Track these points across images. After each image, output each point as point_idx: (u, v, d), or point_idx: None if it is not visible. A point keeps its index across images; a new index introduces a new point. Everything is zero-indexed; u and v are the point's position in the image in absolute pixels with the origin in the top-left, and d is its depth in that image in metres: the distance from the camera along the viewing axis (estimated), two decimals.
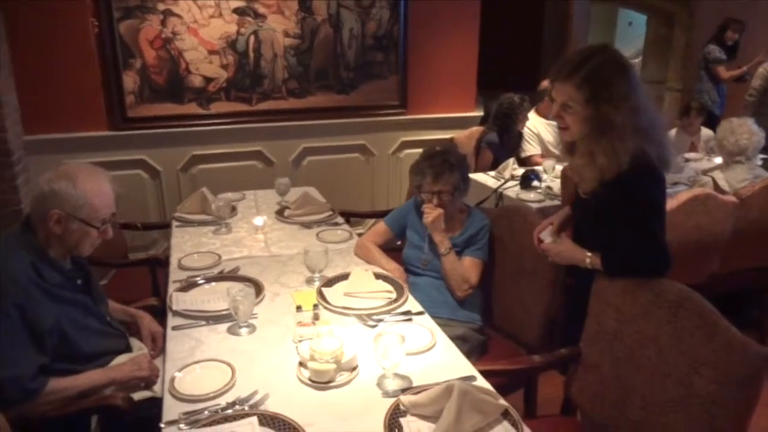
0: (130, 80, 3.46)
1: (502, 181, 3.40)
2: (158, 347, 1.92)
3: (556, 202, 3.08)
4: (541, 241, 1.90)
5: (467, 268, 2.12)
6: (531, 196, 3.15)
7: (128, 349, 1.87)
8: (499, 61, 5.22)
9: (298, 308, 1.70)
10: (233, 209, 2.78)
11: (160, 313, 2.17)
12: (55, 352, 1.61)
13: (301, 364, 1.55)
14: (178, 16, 3.44)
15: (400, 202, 4.12)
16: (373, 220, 4.10)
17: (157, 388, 1.72)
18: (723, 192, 2.70)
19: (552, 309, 2.10)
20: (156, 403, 1.55)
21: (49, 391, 1.55)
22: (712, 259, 2.68)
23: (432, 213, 2.10)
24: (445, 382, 1.47)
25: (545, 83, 4.06)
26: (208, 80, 3.61)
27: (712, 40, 4.92)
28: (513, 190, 3.27)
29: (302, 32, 3.72)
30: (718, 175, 2.82)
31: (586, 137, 1.63)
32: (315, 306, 1.73)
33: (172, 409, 1.40)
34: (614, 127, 1.56)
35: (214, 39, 3.55)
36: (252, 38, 3.62)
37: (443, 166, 2.13)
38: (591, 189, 1.66)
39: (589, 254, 1.72)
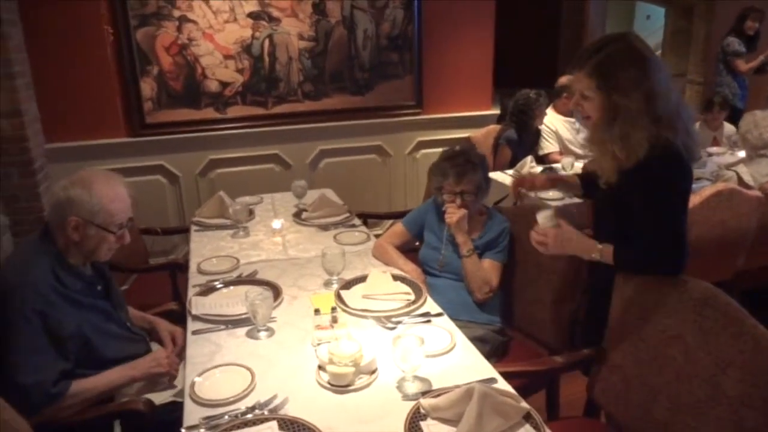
0: (147, 87, 3.49)
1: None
2: (179, 345, 1.93)
3: (576, 200, 3.03)
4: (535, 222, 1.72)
5: (488, 271, 2.10)
6: (550, 194, 3.10)
7: (148, 353, 1.89)
8: (516, 59, 5.18)
9: (317, 311, 1.70)
10: (251, 213, 2.79)
11: (181, 317, 2.19)
12: (77, 358, 1.63)
13: (320, 367, 1.55)
14: (194, 22, 3.46)
15: (417, 203, 4.11)
16: (390, 221, 4.10)
17: (177, 390, 1.73)
18: (747, 187, 2.64)
19: (573, 309, 2.07)
20: (177, 407, 1.56)
21: (70, 393, 1.57)
22: (738, 255, 2.62)
23: (456, 213, 2.08)
24: (465, 384, 1.46)
25: (563, 79, 4.02)
26: (224, 85, 3.64)
27: (731, 31, 4.82)
28: None
29: (316, 35, 3.72)
30: (742, 170, 2.76)
31: (599, 126, 1.62)
32: (333, 309, 1.73)
33: (192, 414, 1.41)
34: (625, 113, 1.54)
35: (230, 44, 3.57)
36: (267, 42, 3.64)
37: (466, 165, 2.11)
38: (610, 178, 1.63)
39: (600, 246, 1.64)
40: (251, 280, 2.09)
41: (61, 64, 3.32)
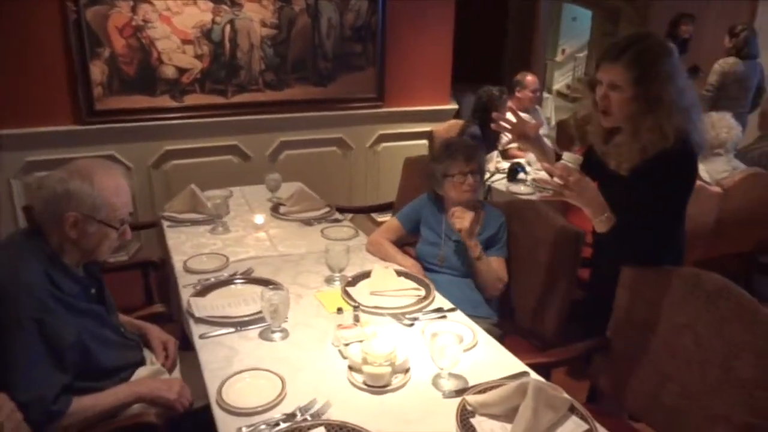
0: (97, 70, 3.22)
1: (488, 174, 3.42)
2: (171, 357, 1.80)
3: (546, 194, 3.12)
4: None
5: (498, 268, 2.13)
6: (521, 188, 3.19)
7: (144, 361, 1.75)
8: (465, 56, 5.24)
9: (339, 310, 1.65)
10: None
11: (167, 319, 2.05)
12: (75, 369, 1.48)
13: (350, 368, 1.50)
14: (150, 2, 3.23)
15: (377, 197, 4.09)
16: (350, 216, 4.04)
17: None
18: (705, 183, 2.83)
19: (568, 301, 2.12)
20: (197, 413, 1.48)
21: (71, 411, 1.43)
22: (697, 248, 2.80)
23: (464, 218, 2.04)
24: (503, 378, 1.47)
25: (519, 75, 4.13)
26: (181, 71, 3.43)
27: (667, 36, 5.13)
28: (502, 183, 3.30)
29: (279, 22, 3.59)
30: (699, 167, 2.94)
31: (631, 117, 1.66)
32: (355, 308, 1.67)
33: (227, 424, 1.32)
34: (662, 104, 1.60)
35: (188, 28, 3.37)
36: (228, 27, 3.46)
37: (469, 148, 2.16)
38: (632, 167, 1.69)
39: (607, 213, 1.62)
40: (251, 278, 1.99)
41: (1, 42, 2.99)
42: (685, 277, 1.65)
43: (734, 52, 4.54)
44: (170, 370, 1.77)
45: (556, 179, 1.57)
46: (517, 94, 4.14)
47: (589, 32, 8.82)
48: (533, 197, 3.08)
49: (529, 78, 4.18)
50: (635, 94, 1.63)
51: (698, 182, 2.61)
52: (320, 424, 1.29)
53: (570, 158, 1.59)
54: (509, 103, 3.96)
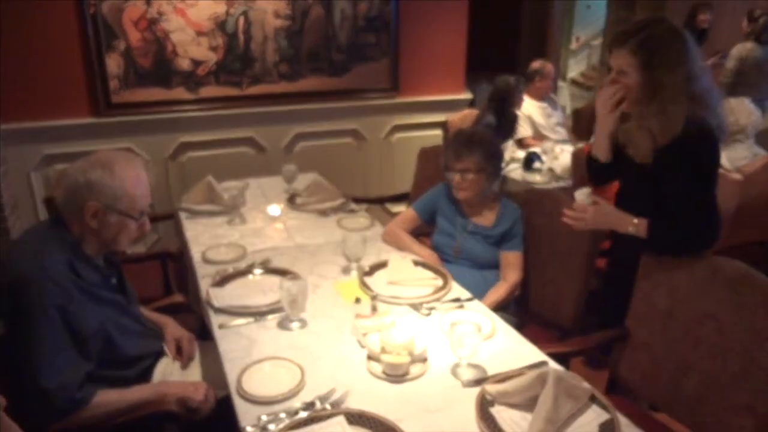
0: (113, 63, 3.24)
1: (504, 163, 3.39)
2: (186, 354, 1.78)
3: (562, 183, 3.11)
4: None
5: (510, 267, 2.13)
6: (537, 178, 3.17)
7: (163, 351, 1.77)
8: (479, 45, 5.20)
9: (357, 300, 1.65)
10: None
11: (186, 310, 2.07)
12: (98, 357, 1.50)
13: (369, 357, 1.50)
14: None
15: (391, 188, 4.07)
16: (365, 206, 4.03)
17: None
18: (725, 170, 2.78)
19: (586, 291, 2.11)
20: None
21: (96, 403, 1.45)
22: None
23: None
24: (523, 367, 1.46)
25: (536, 64, 4.09)
26: (196, 63, 3.43)
27: (684, 27, 5.04)
28: (517, 172, 3.28)
29: (293, 13, 3.57)
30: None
31: (637, 102, 1.66)
32: (373, 297, 1.68)
33: (247, 413, 1.33)
34: (665, 89, 1.59)
35: (203, 20, 3.37)
36: (241, 19, 3.46)
37: (464, 144, 2.12)
38: (646, 158, 1.67)
39: (635, 220, 1.69)
40: (271, 268, 2.00)
41: (18, 36, 3.01)
42: (706, 264, 1.63)
43: (753, 37, 4.45)
44: (185, 366, 1.77)
45: (567, 220, 1.74)
46: (537, 84, 4.10)
47: (604, 20, 8.65)
48: (549, 186, 3.05)
49: (549, 67, 4.15)
50: (641, 79, 1.62)
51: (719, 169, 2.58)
52: (339, 413, 1.29)
53: (582, 194, 1.72)
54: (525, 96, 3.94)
